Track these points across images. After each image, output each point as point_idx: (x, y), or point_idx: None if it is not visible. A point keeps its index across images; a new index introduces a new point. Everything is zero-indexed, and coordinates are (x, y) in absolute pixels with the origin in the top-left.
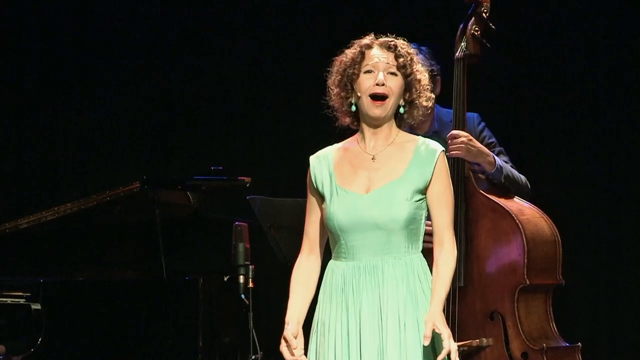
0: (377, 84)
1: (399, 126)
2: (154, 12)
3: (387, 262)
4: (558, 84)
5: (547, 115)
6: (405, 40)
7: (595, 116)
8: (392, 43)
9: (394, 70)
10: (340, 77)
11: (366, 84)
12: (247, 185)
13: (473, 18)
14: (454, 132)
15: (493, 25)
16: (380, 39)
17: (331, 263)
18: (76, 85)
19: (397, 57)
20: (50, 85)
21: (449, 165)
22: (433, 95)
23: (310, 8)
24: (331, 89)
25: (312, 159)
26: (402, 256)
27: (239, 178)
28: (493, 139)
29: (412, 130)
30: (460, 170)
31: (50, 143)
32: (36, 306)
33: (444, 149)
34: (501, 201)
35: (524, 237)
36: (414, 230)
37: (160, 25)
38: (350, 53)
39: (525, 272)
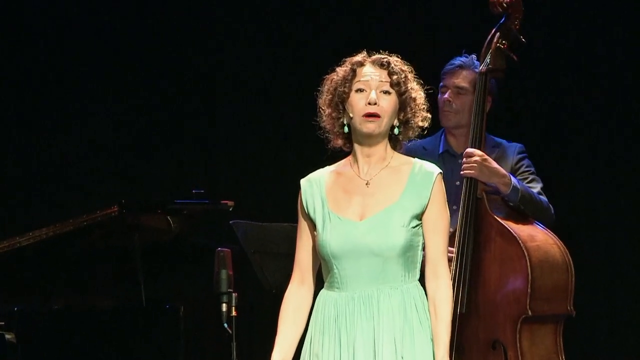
0: (369, 103)
1: (394, 148)
2: (133, 31)
3: (382, 292)
4: (585, 102)
5: (572, 137)
6: (399, 57)
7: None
8: (385, 60)
9: (387, 88)
10: (331, 96)
11: (358, 103)
12: (230, 209)
13: (501, 30)
14: (469, 150)
15: (524, 38)
16: (373, 56)
17: (323, 293)
18: (52, 104)
19: (390, 74)
20: (26, 105)
21: (464, 185)
22: (429, 115)
23: (302, 26)
24: (322, 109)
25: (303, 182)
26: (398, 285)
27: (222, 202)
28: (530, 168)
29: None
30: (473, 191)
31: (25, 165)
32: (10, 336)
33: (440, 171)
34: (512, 225)
35: (528, 264)
36: (411, 257)
37: (141, 45)
38: (341, 71)
39: (528, 302)
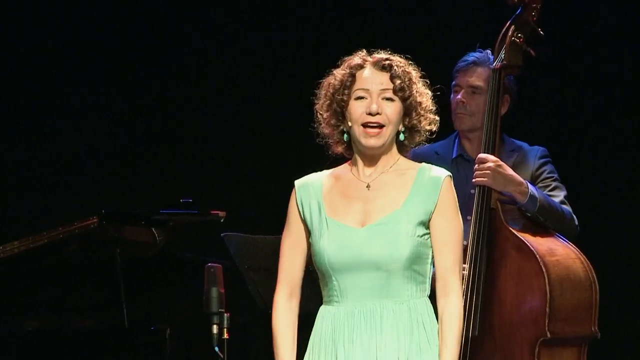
0: (369, 114)
1: (400, 151)
2: (118, 36)
3: (386, 307)
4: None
5: (595, 143)
6: (402, 57)
7: None
8: (387, 62)
9: (389, 95)
10: (329, 102)
11: (358, 112)
12: (222, 220)
13: (516, 23)
14: (481, 155)
15: (541, 30)
16: (374, 57)
17: (322, 309)
18: (28, 108)
19: (392, 78)
20: (3, 112)
21: (476, 194)
22: (437, 118)
23: (295, 30)
24: (320, 114)
25: (298, 184)
26: (404, 300)
27: (212, 212)
28: (553, 174)
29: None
30: (486, 201)
31: None
32: None
33: (449, 174)
34: (529, 238)
35: (547, 281)
36: (419, 270)
37: (127, 49)
38: (339, 75)
39: (546, 323)
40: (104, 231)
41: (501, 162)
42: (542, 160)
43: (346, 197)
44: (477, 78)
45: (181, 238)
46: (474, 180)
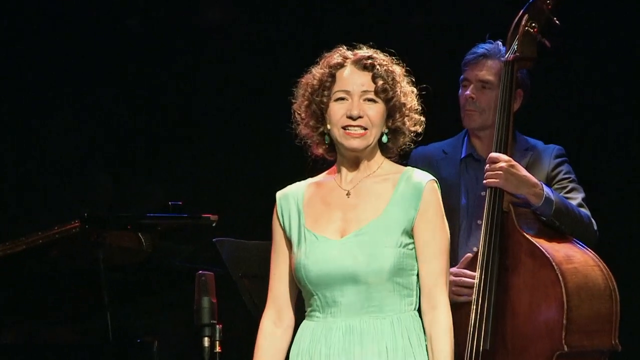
0: (350, 117)
1: (385, 154)
2: (99, 36)
3: (367, 323)
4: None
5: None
6: (386, 55)
7: None
8: (369, 62)
9: (371, 96)
10: (307, 102)
11: (338, 114)
12: (214, 224)
13: (530, 11)
14: (492, 155)
15: (557, 20)
16: (355, 54)
17: (302, 324)
18: (10, 106)
19: (375, 78)
20: None
21: (487, 196)
22: (423, 119)
23: (285, 32)
24: (298, 114)
25: (279, 195)
26: (387, 315)
27: (203, 216)
28: (570, 175)
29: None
30: (498, 204)
31: None
32: None
33: (432, 178)
34: (545, 244)
35: (564, 290)
36: (403, 283)
37: (113, 50)
38: (318, 74)
39: (563, 336)
40: (87, 236)
41: (514, 162)
42: (558, 160)
43: (327, 205)
44: (488, 72)
45: (170, 244)
46: (484, 181)
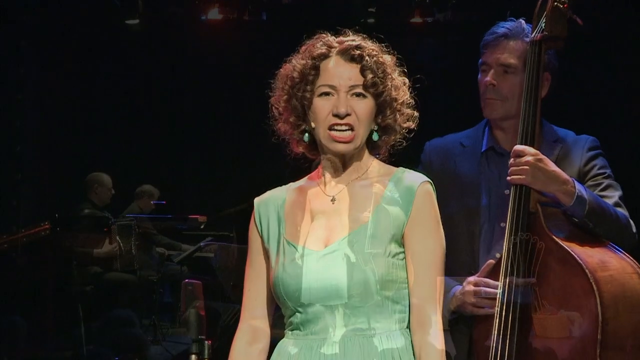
0: (337, 115)
1: (374, 153)
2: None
3: (350, 341)
4: None
5: None
6: (375, 42)
7: None
8: (357, 52)
9: (360, 90)
10: (287, 96)
11: (323, 112)
12: (202, 226)
13: None
14: (517, 147)
15: None
16: (342, 43)
17: (279, 344)
18: None
19: (363, 71)
20: None
21: (511, 195)
22: (416, 113)
23: (277, 33)
24: (276, 109)
25: (257, 201)
26: (374, 333)
27: (190, 217)
28: (605, 170)
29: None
30: (524, 204)
31: None
32: None
33: (426, 179)
34: (577, 250)
35: (598, 302)
36: (392, 297)
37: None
38: (299, 66)
39: (598, 352)
40: (58, 239)
41: (542, 156)
42: (591, 153)
43: (309, 212)
44: (510, 55)
45: (151, 248)
46: (508, 178)
